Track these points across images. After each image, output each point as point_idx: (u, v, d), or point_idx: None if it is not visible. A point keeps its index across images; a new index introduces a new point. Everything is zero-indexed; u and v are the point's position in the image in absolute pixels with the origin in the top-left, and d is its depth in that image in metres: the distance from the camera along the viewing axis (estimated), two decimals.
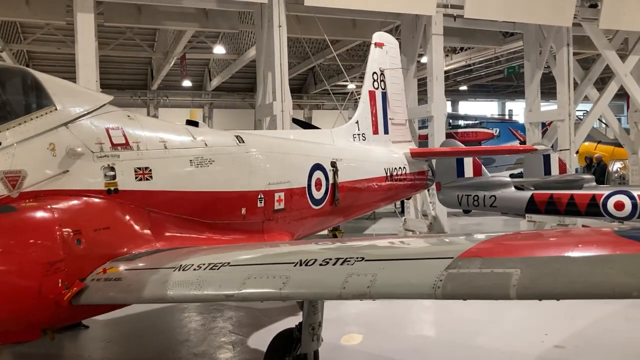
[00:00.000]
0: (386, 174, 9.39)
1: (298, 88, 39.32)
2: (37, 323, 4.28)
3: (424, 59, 30.38)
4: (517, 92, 41.12)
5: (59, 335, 7.01)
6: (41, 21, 16.72)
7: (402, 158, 10.06)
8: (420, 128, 16.60)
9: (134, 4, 13.58)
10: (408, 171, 10.09)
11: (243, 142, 6.53)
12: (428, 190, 13.36)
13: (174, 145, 5.67)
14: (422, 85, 18.35)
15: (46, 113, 4.63)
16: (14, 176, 4.27)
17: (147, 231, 5.16)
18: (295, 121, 21.69)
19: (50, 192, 4.48)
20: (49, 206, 4.33)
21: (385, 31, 13.40)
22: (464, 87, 40.88)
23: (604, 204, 9.71)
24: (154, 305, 7.95)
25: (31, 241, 4.10)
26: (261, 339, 6.63)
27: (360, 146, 9.35)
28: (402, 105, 10.92)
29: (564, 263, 2.86)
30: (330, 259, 3.58)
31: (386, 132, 10.25)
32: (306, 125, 19.72)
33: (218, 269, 3.97)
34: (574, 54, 15.96)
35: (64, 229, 4.30)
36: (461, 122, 36.14)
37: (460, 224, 18.14)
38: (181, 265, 4.20)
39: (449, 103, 45.77)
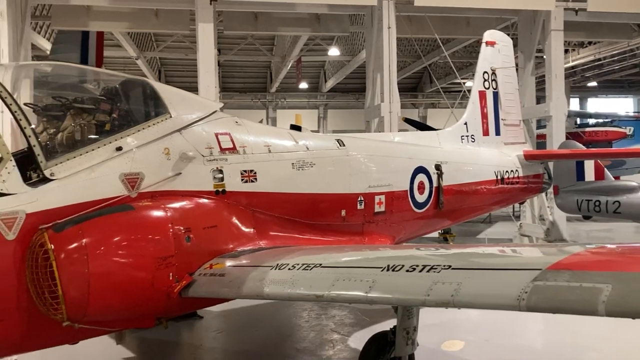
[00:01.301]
0: (496, 177, 9.09)
1: (413, 87, 38.95)
2: (151, 312, 4.69)
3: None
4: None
5: (176, 324, 7.63)
6: (170, 31, 18.06)
7: (514, 160, 9.68)
8: (538, 128, 15.77)
9: (251, 12, 14.29)
10: (521, 174, 9.68)
11: (344, 145, 6.67)
12: (546, 194, 12.71)
13: (278, 149, 5.94)
14: (542, 83, 17.45)
15: (162, 120, 5.07)
16: (133, 178, 4.73)
17: (251, 230, 5.46)
18: (408, 121, 21.55)
19: (165, 192, 4.89)
20: (162, 205, 4.73)
21: (500, 28, 12.96)
22: (593, 83, 38.14)
23: None
24: (260, 300, 8.34)
25: (147, 237, 4.50)
26: (361, 339, 6.71)
27: (468, 148, 9.13)
28: (516, 105, 10.49)
29: None
30: (417, 266, 3.60)
31: (497, 133, 9.91)
32: (419, 124, 19.49)
33: (310, 269, 4.13)
34: None
35: (175, 227, 4.67)
36: (590, 121, 33.67)
37: (583, 229, 16.99)
38: (278, 264, 4.42)
39: (576, 100, 42.99)
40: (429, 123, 30.21)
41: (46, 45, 19.67)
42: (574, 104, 41.59)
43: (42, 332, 4.27)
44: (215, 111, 5.76)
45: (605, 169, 10.87)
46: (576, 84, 38.10)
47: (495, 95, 9.93)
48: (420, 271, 3.53)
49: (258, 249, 5.24)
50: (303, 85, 37.05)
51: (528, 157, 9.80)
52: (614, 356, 6.43)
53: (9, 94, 4.33)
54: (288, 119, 40.10)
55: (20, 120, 4.27)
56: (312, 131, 7.62)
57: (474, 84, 9.74)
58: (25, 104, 5.01)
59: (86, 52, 17.50)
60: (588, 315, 2.75)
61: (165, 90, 5.39)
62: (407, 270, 3.60)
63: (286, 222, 5.88)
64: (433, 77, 33.33)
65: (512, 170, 9.44)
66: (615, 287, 2.71)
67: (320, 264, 4.16)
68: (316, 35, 23.80)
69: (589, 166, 10.80)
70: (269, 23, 14.82)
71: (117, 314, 4.45)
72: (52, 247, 3.98)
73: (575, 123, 31.21)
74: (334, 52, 27.07)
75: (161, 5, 13.36)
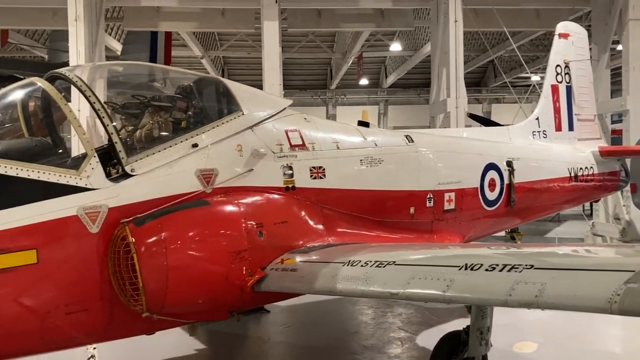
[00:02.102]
0: (570, 174, 8.74)
1: (476, 82, 38.03)
2: (225, 305, 4.78)
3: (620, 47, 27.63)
4: None
5: (244, 318, 7.75)
6: (235, 30, 18.40)
7: (588, 157, 9.29)
8: (613, 122, 15.05)
9: (314, 9, 14.35)
10: (596, 171, 9.28)
11: (412, 141, 6.58)
12: (621, 192, 12.12)
13: (346, 146, 5.93)
14: (616, 76, 16.62)
15: (235, 118, 5.16)
16: (208, 174, 4.83)
17: (320, 226, 5.47)
18: (472, 116, 21.06)
19: (238, 188, 4.98)
20: (236, 201, 4.81)
21: (572, 19, 12.46)
22: None
23: None
24: (325, 297, 8.36)
25: (221, 232, 4.59)
26: (429, 338, 6.65)
27: (540, 144, 8.83)
28: (590, 100, 10.05)
29: None
30: (497, 265, 3.50)
31: (571, 128, 9.53)
32: (483, 120, 19.00)
33: (384, 267, 4.10)
34: None
35: (248, 222, 4.73)
36: None
37: None
38: (350, 261, 4.40)
39: None
40: (493, 118, 29.38)
41: (117, 46, 20.46)
42: None
43: (122, 322, 4.44)
44: (285, 108, 5.80)
45: None
46: None
47: (569, 90, 9.55)
48: (500, 270, 3.43)
49: (327, 245, 5.24)
50: (363, 81, 36.89)
51: (604, 153, 9.38)
52: None
53: (92, 92, 4.51)
54: (348, 116, 40.08)
55: (103, 117, 4.44)
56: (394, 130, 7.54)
57: (546, 78, 9.39)
58: (105, 103, 5.23)
59: (155, 52, 18.12)
60: None
61: (237, 88, 5.48)
62: (487, 270, 3.51)
63: (354, 219, 5.86)
64: (500, 70, 32.42)
65: (586, 167, 9.06)
66: None
67: (394, 262, 4.12)
68: (378, 30, 23.67)
69: None
70: (332, 19, 14.84)
71: (193, 306, 4.55)
72: (133, 240, 4.12)
73: None
74: (395, 47, 26.82)
75: (227, 5, 13.62)
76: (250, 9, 13.80)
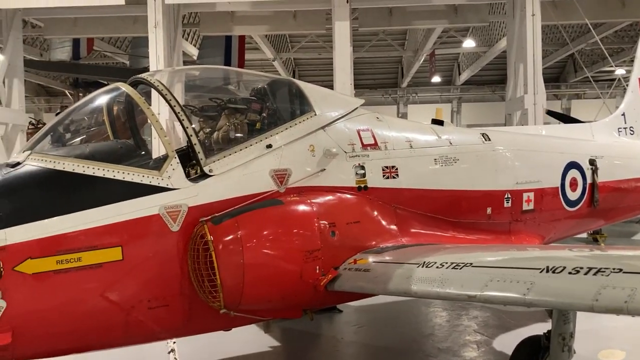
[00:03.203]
0: None
1: (555, 77, 36.46)
2: (299, 303, 4.83)
3: None
4: None
5: (317, 317, 7.80)
6: (306, 32, 18.61)
7: None
8: None
9: (385, 7, 14.24)
10: None
11: (489, 139, 6.40)
12: None
13: (419, 145, 5.84)
14: None
15: (307, 118, 5.21)
16: (282, 174, 4.90)
17: (393, 226, 5.42)
18: (551, 113, 20.23)
19: (310, 188, 5.02)
20: (309, 200, 4.85)
21: None
22: None
23: None
24: (397, 297, 8.26)
25: (295, 231, 4.64)
26: (506, 342, 6.43)
27: (626, 141, 8.35)
28: None
29: None
30: (582, 268, 3.34)
31: None
32: (563, 117, 18.20)
33: (460, 268, 4.00)
34: None
35: (321, 221, 4.75)
36: None
37: None
38: (424, 262, 4.33)
39: None
40: (573, 115, 28.04)
41: (193, 51, 21.19)
42: None
43: (201, 318, 4.58)
44: (357, 108, 5.79)
45: None
46: None
47: None
48: (585, 274, 3.27)
49: (401, 245, 5.18)
50: (435, 79, 36.26)
51: None
52: None
53: (172, 96, 4.68)
54: (420, 114, 39.52)
55: (183, 120, 4.60)
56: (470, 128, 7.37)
57: (634, 71, 8.88)
58: (184, 106, 5.42)
59: (229, 56, 18.66)
60: None
61: (309, 89, 5.53)
62: (570, 273, 3.35)
63: (428, 219, 5.76)
64: (579, 66, 30.96)
65: None
66: None
67: (471, 263, 4.01)
68: (450, 27, 23.17)
69: None
70: (403, 17, 14.68)
71: (268, 304, 4.63)
72: (212, 238, 4.23)
73: None
74: (469, 43, 26.17)
75: (299, 7, 13.77)
76: (321, 10, 13.88)
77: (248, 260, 4.32)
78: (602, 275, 3.19)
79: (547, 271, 3.47)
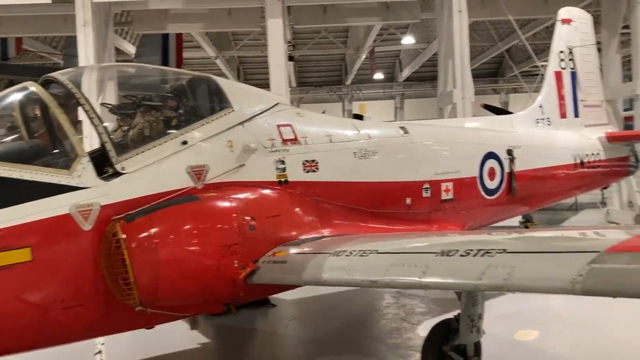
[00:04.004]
0: (575, 161, 8.67)
1: (493, 72, 37.61)
2: (219, 298, 4.88)
3: None
4: None
5: (250, 311, 7.90)
6: (245, 29, 18.56)
7: (595, 143, 9.20)
8: (625, 110, 14.82)
9: (319, 4, 14.39)
10: (603, 157, 9.19)
11: (408, 132, 6.61)
12: (635, 178, 11.96)
13: (339, 139, 5.99)
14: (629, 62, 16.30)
15: (225, 114, 5.26)
16: (199, 170, 4.94)
17: (313, 219, 5.54)
18: (487, 107, 20.88)
19: (229, 183, 5.07)
20: (227, 195, 4.90)
21: (583, 6, 12.30)
22: None
23: None
24: (335, 289, 8.43)
25: (212, 226, 4.68)
26: (429, 328, 6.66)
27: (543, 132, 8.77)
28: (597, 85, 9.95)
29: None
30: (472, 250, 3.53)
31: (576, 115, 9.46)
32: (498, 110, 18.84)
33: (367, 255, 4.16)
34: None
35: (239, 216, 4.81)
36: None
37: None
38: (336, 251, 4.47)
39: None
40: (510, 109, 29.02)
41: (132, 50, 20.79)
42: None
43: (118, 316, 4.57)
44: (278, 103, 5.89)
45: None
46: None
47: (573, 76, 9.47)
48: (474, 255, 3.47)
49: (320, 237, 5.32)
50: (378, 75, 36.80)
51: (611, 139, 9.29)
52: None
53: (82, 94, 4.65)
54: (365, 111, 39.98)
55: (93, 118, 4.57)
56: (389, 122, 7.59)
57: (549, 65, 9.33)
58: (101, 104, 5.39)
59: (167, 54, 18.40)
60: None
61: (228, 85, 5.58)
62: (461, 255, 3.54)
63: (350, 211, 5.92)
64: (515, 61, 31.99)
65: (593, 154, 8.98)
66: None
67: (377, 250, 4.18)
68: (390, 24, 23.55)
69: None
70: (338, 15, 14.87)
71: (186, 300, 4.67)
72: (124, 236, 4.24)
73: None
74: (408, 40, 26.70)
75: (233, 4, 13.74)
76: (256, 7, 13.87)
77: (162, 257, 4.34)
78: (489, 256, 3.39)
79: (442, 255, 3.66)
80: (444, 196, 6.78)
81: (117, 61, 14.80)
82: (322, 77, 37.84)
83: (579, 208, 18.21)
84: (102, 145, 4.58)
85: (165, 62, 17.99)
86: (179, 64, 18.04)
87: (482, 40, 27.32)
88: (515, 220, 13.99)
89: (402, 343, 6.58)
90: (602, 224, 13.34)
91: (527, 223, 14.28)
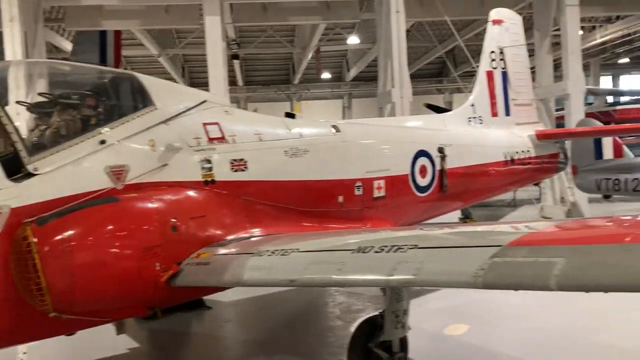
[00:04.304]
0: (505, 158, 8.91)
1: (437, 72, 38.38)
2: (140, 301, 4.72)
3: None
4: None
5: (184, 315, 7.75)
6: (192, 26, 18.26)
7: (525, 141, 9.49)
8: (557, 110, 15.37)
9: (259, 2, 14.29)
10: (533, 154, 9.49)
11: (339, 131, 6.63)
12: (566, 175, 12.41)
13: (269, 138, 5.94)
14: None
15: (147, 112, 5.12)
16: (118, 170, 4.78)
17: (242, 219, 5.47)
18: (429, 106, 21.25)
19: (152, 184, 4.93)
20: (148, 196, 4.76)
21: (518, 9, 12.66)
22: (625, 60, 36.96)
23: None
24: (273, 289, 8.36)
25: (131, 228, 4.53)
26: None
27: (475, 130, 8.98)
28: (527, 85, 10.26)
29: (613, 253, 2.57)
30: (386, 247, 3.56)
31: (507, 113, 9.73)
32: (439, 109, 19.20)
33: (288, 255, 4.13)
34: None
35: (161, 217, 4.69)
36: (623, 99, 32.61)
37: (613, 210, 16.36)
38: (259, 251, 4.42)
39: (608, 78, 41.64)
40: (454, 108, 29.68)
41: (69, 47, 20.12)
42: (606, 82, 40.39)
43: (33, 323, 4.37)
44: (205, 101, 5.78)
45: (624, 146, 10.53)
46: (607, 61, 36.98)
47: (504, 75, 9.72)
48: (387, 252, 3.49)
49: (247, 237, 5.25)
50: (326, 75, 36.96)
51: (540, 136, 9.60)
52: (623, 336, 6.23)
53: None
54: (313, 110, 40.11)
55: (1, 117, 4.36)
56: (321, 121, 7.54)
57: (481, 64, 9.57)
58: (17, 102, 5.15)
59: (105, 51, 17.85)
60: (541, 290, 2.66)
61: (151, 83, 5.44)
62: (376, 252, 3.56)
63: (280, 210, 5.87)
64: (458, 61, 32.75)
65: (523, 151, 9.26)
66: (569, 261, 2.62)
67: (298, 249, 4.15)
68: (337, 23, 23.66)
69: (608, 144, 10.49)
70: (278, 13, 14.82)
71: (105, 305, 4.50)
72: (35, 240, 4.06)
73: (606, 101, 30.30)
74: (353, 40, 26.90)
75: (170, 1, 13.47)
76: (194, 5, 13.67)
77: (77, 261, 4.17)
78: (401, 252, 3.42)
79: (358, 252, 3.67)
80: (376, 194, 6.83)
81: (50, 58, 14.26)
82: (269, 76, 37.72)
83: (518, 204, 18.80)
84: (13, 145, 4.37)
85: (103, 60, 17.46)
86: (117, 62, 17.53)
87: (427, 40, 27.85)
88: (455, 217, 14.37)
89: (335, 341, 6.59)
90: (536, 219, 13.77)
91: (466, 219, 14.64)
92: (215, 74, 11.50)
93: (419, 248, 3.39)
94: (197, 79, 33.13)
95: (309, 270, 3.78)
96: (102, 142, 4.74)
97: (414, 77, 35.47)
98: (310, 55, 27.61)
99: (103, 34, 17.53)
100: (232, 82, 35.89)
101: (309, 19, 16.23)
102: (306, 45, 26.88)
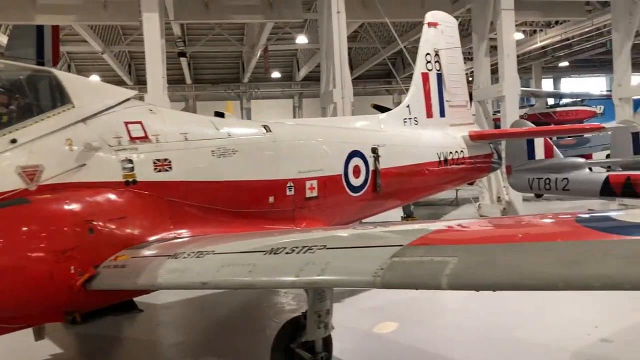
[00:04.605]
0: (439, 158, 9.08)
1: (386, 73, 38.79)
2: (55, 306, 4.57)
3: (516, 36, 28.91)
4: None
5: (115, 318, 7.50)
6: (116, 22, 17.84)
7: (459, 141, 9.68)
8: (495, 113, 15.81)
9: (202, 0, 14.10)
10: (466, 155, 9.69)
11: (270, 131, 6.59)
12: (502, 175, 12.76)
13: (195, 137, 5.84)
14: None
15: (63, 111, 4.95)
16: (31, 170, 4.60)
17: (166, 220, 5.36)
18: (376, 107, 21.43)
19: (68, 184, 4.77)
20: (62, 197, 4.61)
21: (458, 14, 12.91)
22: (565, 63, 38.35)
23: None
24: (208, 291, 8.24)
25: (42, 230, 4.38)
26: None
27: (409, 131, 9.10)
28: (462, 87, 10.47)
29: (503, 252, 2.63)
30: (297, 247, 3.55)
31: (442, 115, 9.90)
32: (386, 110, 19.41)
33: (203, 257, 4.07)
34: None
35: (76, 219, 4.55)
36: (564, 101, 33.81)
37: (554, 208, 16.91)
38: (176, 253, 4.34)
39: (549, 81, 43.15)
40: None
41: (5, 41, 19.36)
42: (548, 85, 41.84)
43: None
44: (129, 99, 5.65)
45: (554, 147, 10.90)
46: (548, 64, 38.30)
47: (439, 77, 9.90)
48: (298, 252, 3.48)
49: (168, 239, 5.15)
50: (276, 74, 36.86)
51: (474, 137, 9.81)
52: (541, 333, 6.44)
53: None
54: (263, 110, 39.92)
55: None
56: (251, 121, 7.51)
57: (416, 66, 9.70)
58: None
59: (42, 47, 17.22)
60: (434, 289, 2.71)
61: (69, 80, 5.26)
62: (287, 253, 3.55)
63: (207, 211, 5.78)
64: (407, 62, 33.20)
65: (456, 152, 9.44)
66: (461, 260, 2.67)
67: (214, 251, 4.10)
68: (286, 23, 23.60)
69: (539, 145, 10.81)
70: (220, 11, 14.65)
71: (15, 310, 4.33)
72: None
73: (547, 103, 31.36)
74: (302, 40, 26.91)
75: None
76: (134, 1, 13.35)
77: None
78: (310, 252, 3.42)
79: (270, 253, 3.64)
80: (309, 194, 6.83)
81: None
82: (219, 75, 37.32)
83: (460, 203, 19.23)
84: None
85: (40, 55, 16.86)
86: (55, 58, 16.98)
87: (374, 42, 28.15)
88: (398, 215, 14.56)
89: (264, 342, 6.51)
90: (476, 218, 14.10)
91: (408, 218, 14.85)
92: (154, 71, 11.28)
93: (328, 249, 3.39)
94: (143, 76, 32.38)
95: (221, 272, 3.73)
96: (13, 140, 4.56)
97: (363, 77, 36.01)
98: (258, 54, 27.46)
99: (40, 28, 16.90)
100: (181, 80, 35.36)
101: (251, 18, 16.14)
102: (255, 44, 26.71)
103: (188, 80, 35.47)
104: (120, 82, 33.10)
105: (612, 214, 2.86)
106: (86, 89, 5.38)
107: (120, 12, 14.00)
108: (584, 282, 2.22)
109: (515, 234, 2.76)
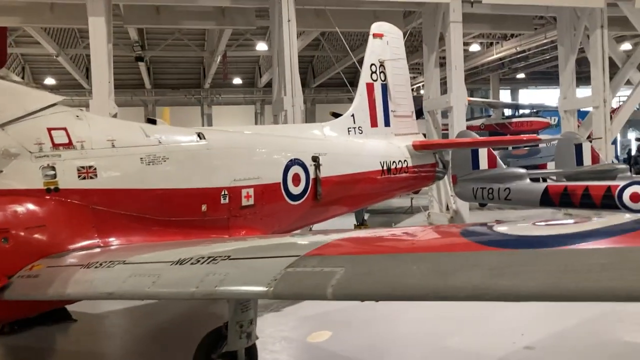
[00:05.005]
0: (382, 167, 9.16)
1: (350, 81, 39.02)
2: None
3: (472, 48, 29.30)
4: (581, 79, 39.09)
5: (48, 328, 7.35)
6: (65, 25, 17.47)
7: (403, 151, 9.78)
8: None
9: (152, 5, 13.94)
10: (410, 164, 9.80)
11: (204, 138, 6.54)
12: (449, 184, 12.96)
13: (123, 144, 5.74)
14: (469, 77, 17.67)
15: None
16: None
17: (89, 229, 5.25)
18: (335, 115, 21.46)
19: None
20: None
21: (411, 27, 13.04)
22: (521, 75, 39.27)
23: (619, 196, 9.06)
24: (149, 301, 8.09)
25: None
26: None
27: (352, 140, 9.16)
28: (407, 97, 10.60)
29: (384, 263, 2.66)
30: (203, 258, 3.52)
31: (387, 124, 10.00)
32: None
33: (113, 266, 4.01)
34: (618, 36, 14.91)
35: None
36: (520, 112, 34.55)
37: (510, 216, 17.23)
38: (89, 263, 4.26)
39: (507, 92, 44.13)
40: None
41: None
42: (505, 96, 42.77)
43: None
44: (55, 104, 5.53)
45: (497, 157, 11.14)
46: (506, 76, 39.18)
47: (384, 87, 10.00)
48: (202, 263, 3.45)
49: (91, 248, 5.05)
50: (238, 80, 36.73)
51: (417, 147, 9.93)
52: (472, 339, 6.55)
53: None
54: (225, 116, 39.65)
55: None
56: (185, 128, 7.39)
57: (361, 76, 9.79)
58: None
59: None
60: (320, 300, 2.72)
61: None
62: (192, 263, 3.52)
63: (135, 220, 5.68)
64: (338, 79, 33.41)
65: (400, 161, 9.54)
66: (346, 271, 2.69)
67: (124, 261, 4.04)
68: (247, 29, 23.52)
69: (483, 155, 11.04)
70: (171, 16, 14.52)
71: None
72: None
73: (503, 114, 32.02)
74: (262, 47, 26.89)
75: None
76: (81, 4, 13.09)
77: None
78: (214, 263, 3.39)
79: (177, 263, 3.61)
80: (245, 202, 6.78)
81: None
82: (179, 80, 36.94)
83: (414, 211, 19.43)
84: None
85: None
86: (2, 59, 16.52)
87: (335, 50, 28.35)
88: (351, 223, 14.63)
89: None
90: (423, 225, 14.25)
91: (360, 226, 14.94)
92: (100, 76, 11.07)
93: (231, 259, 3.37)
94: None
95: (127, 282, 3.68)
96: None
97: (325, 85, 36.16)
98: (218, 60, 27.31)
99: None
100: (140, 84, 34.89)
101: (204, 24, 16.06)
102: (215, 49, 26.56)
103: (147, 85, 35.02)
104: (77, 86, 32.50)
105: (499, 227, 2.92)
106: (4, 94, 5.24)
107: (67, 15, 13.71)
108: (452, 292, 2.26)
109: (402, 246, 2.80)
